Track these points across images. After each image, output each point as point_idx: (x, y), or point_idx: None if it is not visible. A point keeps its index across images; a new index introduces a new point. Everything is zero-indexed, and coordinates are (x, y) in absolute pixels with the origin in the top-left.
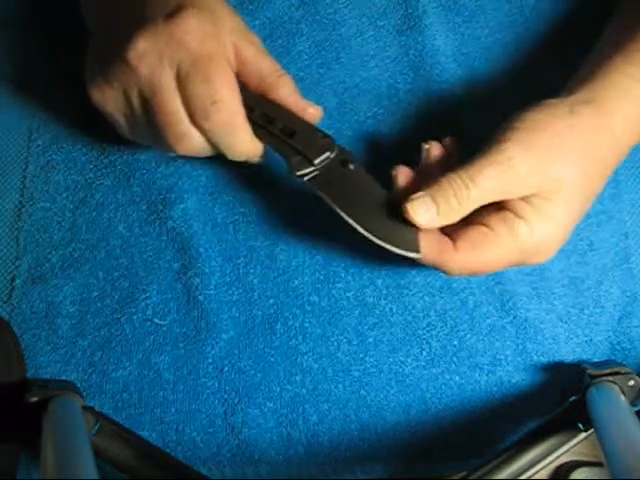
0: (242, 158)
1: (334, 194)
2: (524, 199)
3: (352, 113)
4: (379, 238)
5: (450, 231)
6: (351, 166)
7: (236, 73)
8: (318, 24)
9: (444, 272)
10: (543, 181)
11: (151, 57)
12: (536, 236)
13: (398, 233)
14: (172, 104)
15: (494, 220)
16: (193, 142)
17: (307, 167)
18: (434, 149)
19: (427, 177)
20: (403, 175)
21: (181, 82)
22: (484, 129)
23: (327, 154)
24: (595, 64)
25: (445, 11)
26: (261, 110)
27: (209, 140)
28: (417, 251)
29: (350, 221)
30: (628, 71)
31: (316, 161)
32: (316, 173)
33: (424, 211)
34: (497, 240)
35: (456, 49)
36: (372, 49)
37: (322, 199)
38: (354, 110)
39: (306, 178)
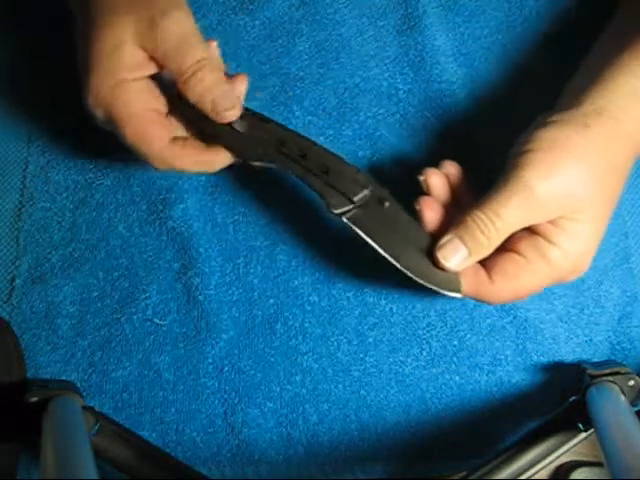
0: (219, 167)
1: (373, 232)
2: (552, 222)
3: (352, 113)
4: (421, 278)
5: (483, 260)
6: (387, 203)
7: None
8: (318, 24)
9: (483, 303)
10: (566, 202)
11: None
12: (570, 258)
13: (439, 272)
14: None
15: (525, 246)
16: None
17: (346, 205)
18: (431, 177)
19: (448, 202)
20: (428, 209)
21: None
22: (484, 129)
23: (365, 191)
24: (600, 66)
25: (445, 11)
26: (293, 144)
27: None
28: (459, 291)
29: (392, 260)
30: (635, 71)
31: (355, 199)
32: (354, 211)
33: (454, 255)
34: (531, 268)
35: (456, 49)
36: (372, 49)
37: (360, 236)
38: (354, 110)
39: (345, 217)
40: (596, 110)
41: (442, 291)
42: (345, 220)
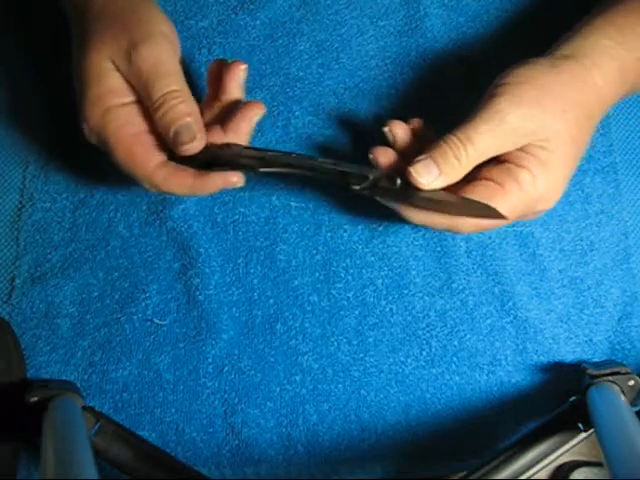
0: (209, 193)
1: (400, 199)
2: (521, 149)
3: (352, 113)
4: (467, 214)
5: (456, 190)
6: (399, 181)
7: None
8: (319, 24)
9: (455, 233)
10: (535, 130)
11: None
12: (539, 183)
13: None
14: None
15: (496, 172)
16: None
17: (366, 181)
18: (395, 127)
19: (411, 157)
20: (383, 156)
21: None
22: None
23: (376, 171)
24: (580, 25)
25: (448, 11)
26: (297, 158)
27: None
28: (501, 216)
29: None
30: (609, 33)
31: (371, 176)
32: (373, 185)
33: (426, 173)
34: (504, 193)
35: (458, 49)
36: (373, 49)
37: (390, 206)
38: (354, 110)
39: (367, 192)
40: (565, 55)
41: (490, 219)
42: (368, 193)
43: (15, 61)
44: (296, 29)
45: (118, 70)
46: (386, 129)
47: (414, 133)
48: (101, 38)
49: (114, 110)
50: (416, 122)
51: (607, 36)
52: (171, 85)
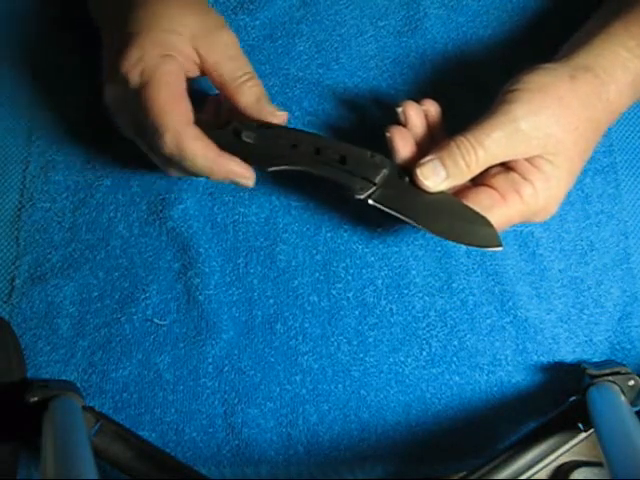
0: (224, 179)
1: (401, 207)
2: (529, 160)
3: (352, 113)
4: (458, 240)
5: (457, 191)
6: (407, 178)
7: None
8: (319, 24)
9: None
10: (546, 142)
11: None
12: (540, 198)
13: (474, 230)
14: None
15: (500, 181)
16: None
17: (370, 188)
18: (408, 109)
19: (421, 141)
20: (399, 137)
21: None
22: None
23: (384, 171)
24: (595, 30)
25: (448, 11)
26: (305, 142)
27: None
28: (499, 245)
29: (426, 230)
30: (627, 44)
31: (376, 180)
32: (378, 191)
33: (433, 175)
34: (505, 204)
35: (458, 49)
36: (372, 49)
37: (390, 214)
38: (353, 110)
39: (371, 200)
40: (584, 67)
41: (483, 249)
42: (371, 202)
43: (15, 60)
44: (296, 29)
45: (191, 44)
46: (399, 110)
47: (427, 116)
48: (177, 18)
49: (174, 59)
50: (429, 104)
51: (625, 46)
52: (250, 68)
